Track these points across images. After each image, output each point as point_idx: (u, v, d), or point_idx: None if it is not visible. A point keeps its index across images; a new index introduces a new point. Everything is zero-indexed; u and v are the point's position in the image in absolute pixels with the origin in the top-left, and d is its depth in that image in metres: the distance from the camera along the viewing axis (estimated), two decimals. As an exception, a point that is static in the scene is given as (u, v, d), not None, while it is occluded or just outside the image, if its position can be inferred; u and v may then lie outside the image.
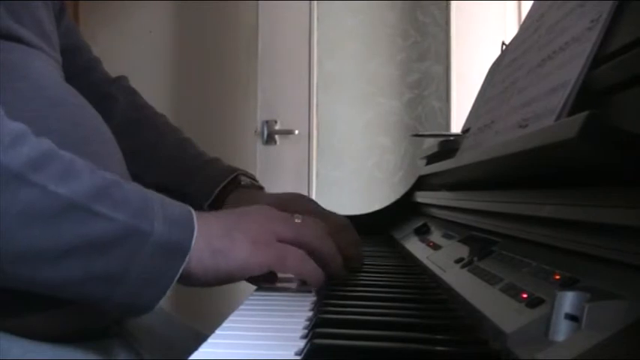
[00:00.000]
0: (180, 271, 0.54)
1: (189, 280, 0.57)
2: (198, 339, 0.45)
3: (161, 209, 0.55)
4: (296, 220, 0.65)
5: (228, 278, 0.59)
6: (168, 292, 0.54)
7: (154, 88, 2.52)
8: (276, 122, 2.22)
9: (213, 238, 0.58)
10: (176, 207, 0.57)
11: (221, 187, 0.84)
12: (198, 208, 0.62)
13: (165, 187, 0.79)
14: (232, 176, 0.86)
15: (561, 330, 0.32)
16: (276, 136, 2.22)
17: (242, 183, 0.86)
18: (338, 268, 0.67)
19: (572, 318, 0.32)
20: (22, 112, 0.59)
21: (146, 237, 0.52)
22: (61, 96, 0.67)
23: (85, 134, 0.66)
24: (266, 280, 0.69)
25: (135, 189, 0.56)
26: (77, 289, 0.52)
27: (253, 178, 0.88)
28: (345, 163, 2.23)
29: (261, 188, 0.88)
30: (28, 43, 0.67)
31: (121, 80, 0.95)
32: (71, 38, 0.86)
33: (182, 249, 0.54)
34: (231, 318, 0.52)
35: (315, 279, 0.63)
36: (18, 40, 0.66)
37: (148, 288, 0.53)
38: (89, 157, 0.62)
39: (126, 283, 0.52)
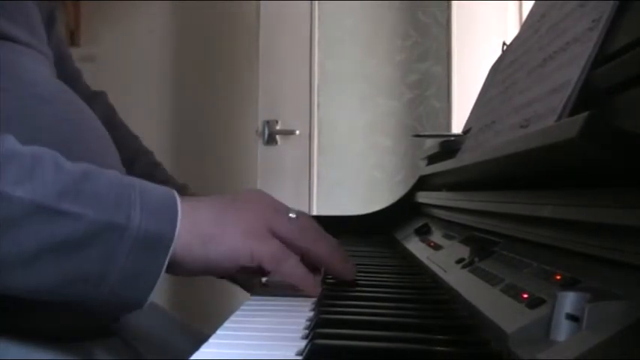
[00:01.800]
0: (166, 263, 0.52)
1: (177, 269, 0.55)
2: (199, 339, 0.45)
3: (139, 198, 0.52)
4: (290, 215, 0.61)
5: (218, 266, 0.56)
6: (158, 285, 0.52)
7: (155, 88, 2.53)
8: (277, 122, 2.22)
9: (201, 224, 0.55)
10: (158, 193, 0.54)
11: None
12: None
13: None
14: None
15: (562, 330, 0.32)
16: (277, 137, 2.22)
17: None
18: (341, 264, 0.64)
19: (572, 318, 0.32)
20: (12, 110, 0.59)
21: (121, 231, 0.50)
22: (52, 92, 0.66)
23: (76, 130, 0.66)
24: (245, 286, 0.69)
25: (110, 179, 0.53)
26: (55, 292, 0.50)
27: None
28: (346, 164, 2.23)
29: None
30: (17, 41, 0.67)
31: (101, 96, 0.94)
32: (59, 48, 0.86)
33: (164, 240, 0.51)
34: (232, 318, 0.52)
35: (308, 287, 0.60)
36: (7, 37, 0.66)
37: (132, 284, 0.51)
38: (81, 152, 0.62)
39: (108, 281, 0.50)
